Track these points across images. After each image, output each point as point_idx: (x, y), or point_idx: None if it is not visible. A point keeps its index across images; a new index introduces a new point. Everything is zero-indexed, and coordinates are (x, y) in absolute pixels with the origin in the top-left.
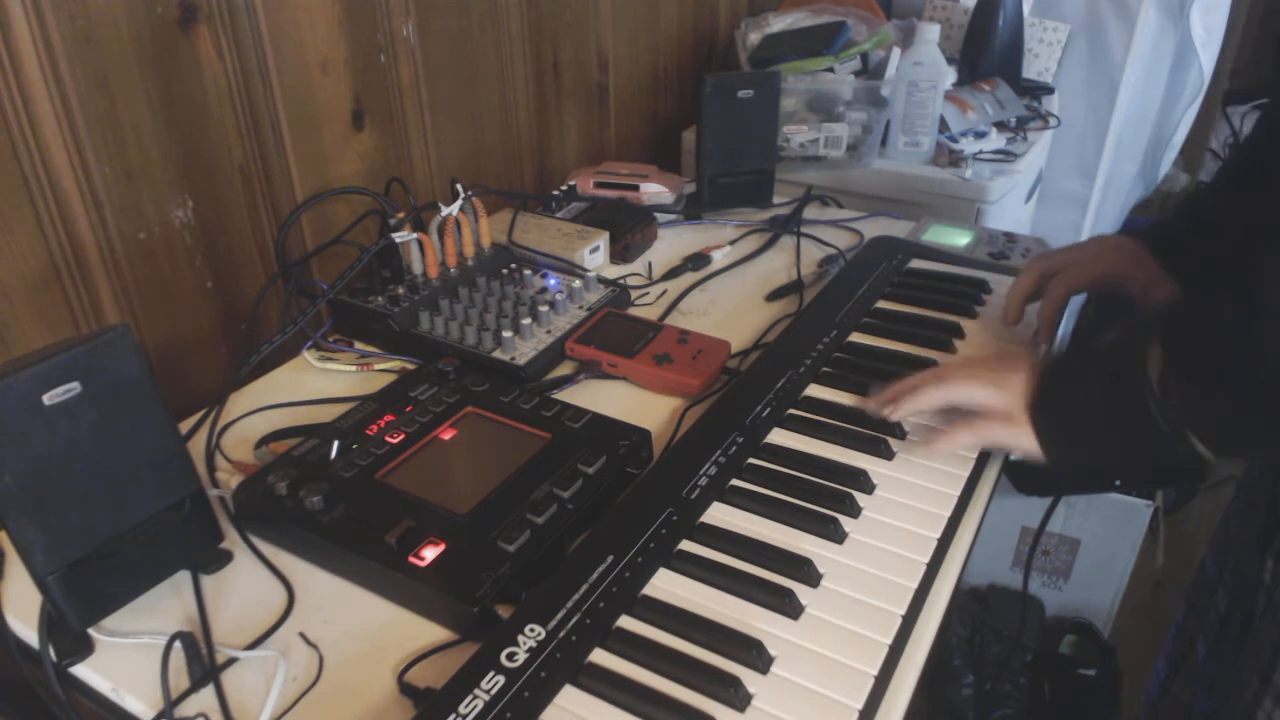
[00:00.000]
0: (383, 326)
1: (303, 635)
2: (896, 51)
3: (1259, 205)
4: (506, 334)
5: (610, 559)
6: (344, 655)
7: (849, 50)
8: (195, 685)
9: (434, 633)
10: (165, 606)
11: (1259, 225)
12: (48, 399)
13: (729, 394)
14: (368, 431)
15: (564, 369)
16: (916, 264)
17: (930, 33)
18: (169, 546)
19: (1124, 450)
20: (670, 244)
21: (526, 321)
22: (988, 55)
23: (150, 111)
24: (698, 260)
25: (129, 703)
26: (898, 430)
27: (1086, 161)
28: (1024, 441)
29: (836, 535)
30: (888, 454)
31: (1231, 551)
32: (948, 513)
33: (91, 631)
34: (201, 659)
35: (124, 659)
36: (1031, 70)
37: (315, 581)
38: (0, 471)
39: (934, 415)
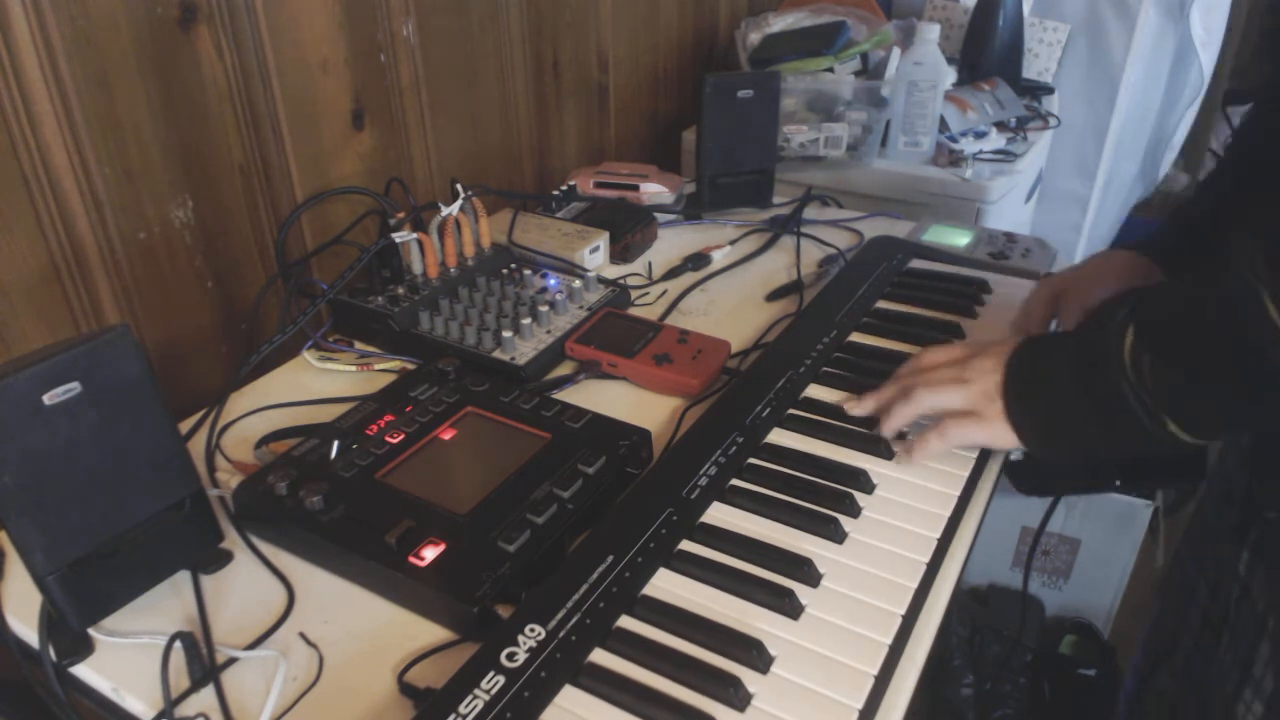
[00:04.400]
0: (383, 326)
1: (303, 635)
2: (896, 51)
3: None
4: (506, 334)
5: (610, 559)
6: (344, 655)
7: (849, 50)
8: (195, 685)
9: (434, 633)
10: (165, 606)
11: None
12: (48, 399)
13: (729, 394)
14: (368, 431)
15: (564, 369)
16: (916, 264)
17: (930, 33)
18: (169, 546)
19: (1104, 439)
20: (670, 244)
21: (526, 321)
22: (988, 55)
23: (150, 111)
24: (698, 260)
25: (129, 703)
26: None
27: (1086, 161)
28: (998, 437)
29: (836, 535)
30: (888, 454)
31: (1209, 545)
32: (948, 513)
33: (91, 631)
34: (201, 659)
35: (124, 659)
36: (1031, 70)
37: (315, 581)
38: (0, 471)
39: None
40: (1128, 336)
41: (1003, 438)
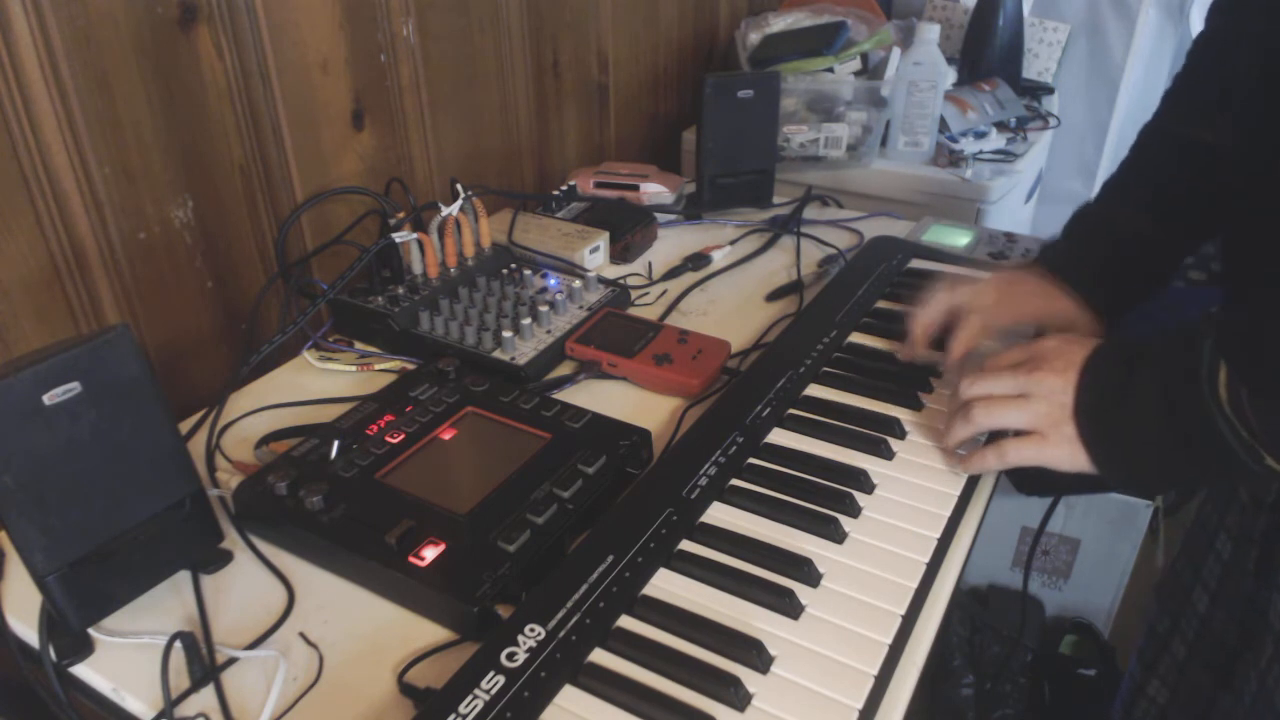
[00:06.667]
0: (383, 326)
1: (303, 635)
2: (896, 51)
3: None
4: (506, 334)
5: (610, 559)
6: (344, 655)
7: (849, 50)
8: (195, 685)
9: (434, 633)
10: (165, 606)
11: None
12: (48, 399)
13: (729, 394)
14: (368, 431)
15: (564, 369)
16: (916, 264)
17: (930, 33)
18: (169, 546)
19: (1192, 471)
20: (670, 244)
21: (526, 321)
22: (988, 55)
23: (150, 111)
24: (698, 260)
25: (129, 703)
26: (898, 430)
27: (1086, 161)
28: (1063, 459)
29: (836, 535)
30: (888, 454)
31: (1211, 553)
32: (948, 513)
33: (91, 631)
34: (201, 659)
35: (124, 659)
36: (1031, 70)
37: (315, 581)
38: (0, 471)
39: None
40: (1221, 371)
41: (1069, 459)
